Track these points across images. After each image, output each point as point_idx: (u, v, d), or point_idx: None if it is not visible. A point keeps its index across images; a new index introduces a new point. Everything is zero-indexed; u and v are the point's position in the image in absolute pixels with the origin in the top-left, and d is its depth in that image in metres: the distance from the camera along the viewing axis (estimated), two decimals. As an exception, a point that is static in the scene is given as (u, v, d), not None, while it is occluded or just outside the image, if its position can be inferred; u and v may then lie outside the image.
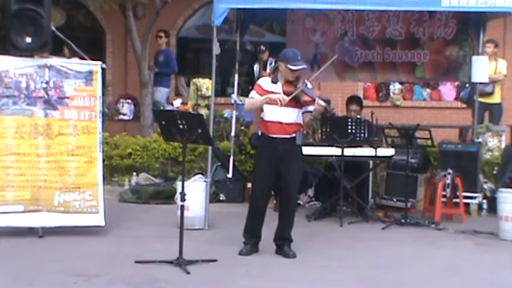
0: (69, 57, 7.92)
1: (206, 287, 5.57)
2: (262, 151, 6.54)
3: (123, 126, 11.65)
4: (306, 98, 6.31)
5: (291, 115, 6.35)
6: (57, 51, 8.23)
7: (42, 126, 7.10)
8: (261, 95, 6.41)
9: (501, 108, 11.24)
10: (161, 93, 11.81)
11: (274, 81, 6.44)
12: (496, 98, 10.98)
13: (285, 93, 6.31)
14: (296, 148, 6.44)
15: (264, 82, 6.54)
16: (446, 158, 9.00)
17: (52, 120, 7.13)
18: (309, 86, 6.45)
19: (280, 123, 6.34)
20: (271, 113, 6.36)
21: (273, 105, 6.30)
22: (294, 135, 6.38)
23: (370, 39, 9.85)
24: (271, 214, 6.97)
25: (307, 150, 8.22)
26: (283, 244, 6.50)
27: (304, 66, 6.38)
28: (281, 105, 6.20)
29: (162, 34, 12.05)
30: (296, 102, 6.33)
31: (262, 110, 6.48)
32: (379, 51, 9.89)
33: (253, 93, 6.52)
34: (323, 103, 6.30)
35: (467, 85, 11.10)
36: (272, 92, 6.34)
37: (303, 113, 6.44)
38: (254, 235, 6.55)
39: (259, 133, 6.58)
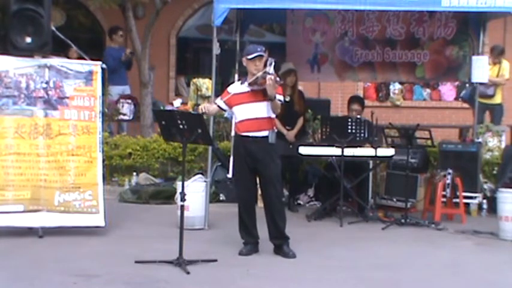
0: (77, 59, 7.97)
1: (206, 287, 5.57)
2: (236, 151, 6.65)
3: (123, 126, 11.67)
4: (262, 81, 6.31)
5: (260, 110, 6.40)
6: (59, 52, 8.25)
7: (42, 126, 7.09)
8: (225, 101, 6.53)
9: (502, 108, 11.27)
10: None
11: (243, 82, 6.54)
12: (496, 99, 11.02)
13: (250, 85, 6.39)
14: (269, 146, 6.45)
15: (233, 86, 6.68)
16: (446, 158, 9.00)
17: (52, 120, 7.13)
18: (270, 71, 6.40)
19: (250, 119, 6.40)
20: (241, 113, 6.44)
21: (241, 104, 6.41)
22: (265, 133, 6.41)
23: (370, 39, 9.85)
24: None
25: (307, 150, 8.25)
26: (281, 244, 6.50)
27: (261, 53, 6.41)
28: (203, 112, 6.40)
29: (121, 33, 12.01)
30: (260, 93, 6.35)
31: (234, 114, 6.60)
32: (379, 51, 9.89)
33: (218, 100, 6.65)
34: (272, 77, 6.21)
35: (467, 85, 11.11)
36: (237, 94, 6.45)
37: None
38: (251, 234, 6.57)
39: (234, 134, 6.62)
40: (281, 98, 6.45)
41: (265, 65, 6.42)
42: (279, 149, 6.72)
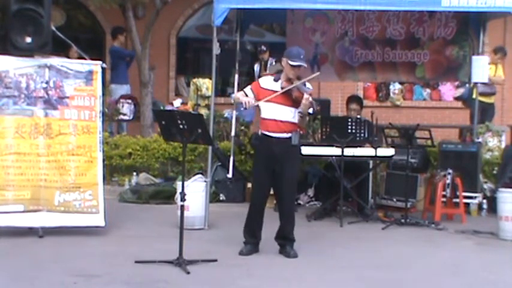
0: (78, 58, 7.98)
1: (206, 287, 5.57)
2: (259, 150, 6.63)
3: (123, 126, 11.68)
4: (297, 94, 6.34)
5: (287, 113, 6.39)
6: (59, 52, 8.25)
7: (43, 126, 7.09)
8: (254, 90, 6.50)
9: (494, 108, 11.32)
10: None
11: (276, 80, 6.49)
12: (492, 98, 11.06)
13: (282, 88, 6.36)
14: (292, 148, 6.45)
15: (264, 80, 6.62)
16: (446, 158, 9.00)
17: (52, 119, 7.13)
18: (308, 86, 6.47)
19: (275, 120, 6.37)
20: (268, 111, 6.42)
21: (270, 102, 6.36)
22: (289, 135, 6.39)
23: (370, 39, 9.86)
24: (271, 214, 6.97)
25: (307, 150, 8.24)
26: (285, 244, 6.51)
27: (304, 65, 6.42)
28: (245, 108, 6.40)
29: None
30: (290, 99, 6.35)
31: (259, 109, 6.55)
32: (379, 51, 9.89)
33: (247, 88, 6.59)
34: (310, 98, 6.28)
35: (467, 85, 11.12)
36: (267, 90, 6.42)
37: (298, 112, 6.48)
38: (253, 235, 6.56)
39: (259, 132, 6.58)
40: (311, 110, 6.42)
41: (298, 78, 6.39)
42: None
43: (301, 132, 6.57)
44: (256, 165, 6.67)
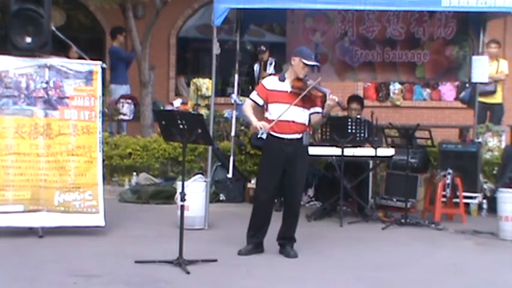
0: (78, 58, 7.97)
1: (206, 287, 5.57)
2: (269, 152, 6.47)
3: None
4: (318, 93, 6.33)
5: (300, 114, 6.36)
6: (59, 52, 8.25)
7: (42, 126, 7.10)
8: (262, 96, 6.44)
9: (502, 108, 11.22)
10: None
11: (282, 79, 6.45)
12: (497, 98, 10.96)
13: (294, 88, 6.34)
14: (303, 148, 6.44)
15: (269, 81, 6.55)
16: (446, 158, 9.00)
17: (52, 120, 7.13)
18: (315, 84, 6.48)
19: (288, 121, 6.32)
20: (278, 112, 6.32)
21: (279, 103, 6.32)
22: (301, 135, 6.38)
23: (370, 39, 9.84)
24: (273, 214, 6.97)
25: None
26: (285, 244, 6.50)
27: (318, 64, 6.42)
28: (261, 133, 6.25)
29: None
30: (305, 101, 6.34)
31: (267, 110, 6.48)
32: (379, 51, 9.88)
33: (253, 95, 6.53)
34: (335, 98, 6.30)
35: (467, 85, 11.09)
36: (276, 91, 6.37)
37: (311, 114, 6.45)
38: (256, 236, 6.53)
39: (260, 133, 6.50)
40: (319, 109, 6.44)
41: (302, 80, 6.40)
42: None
43: (310, 132, 6.56)
44: (264, 167, 6.55)
